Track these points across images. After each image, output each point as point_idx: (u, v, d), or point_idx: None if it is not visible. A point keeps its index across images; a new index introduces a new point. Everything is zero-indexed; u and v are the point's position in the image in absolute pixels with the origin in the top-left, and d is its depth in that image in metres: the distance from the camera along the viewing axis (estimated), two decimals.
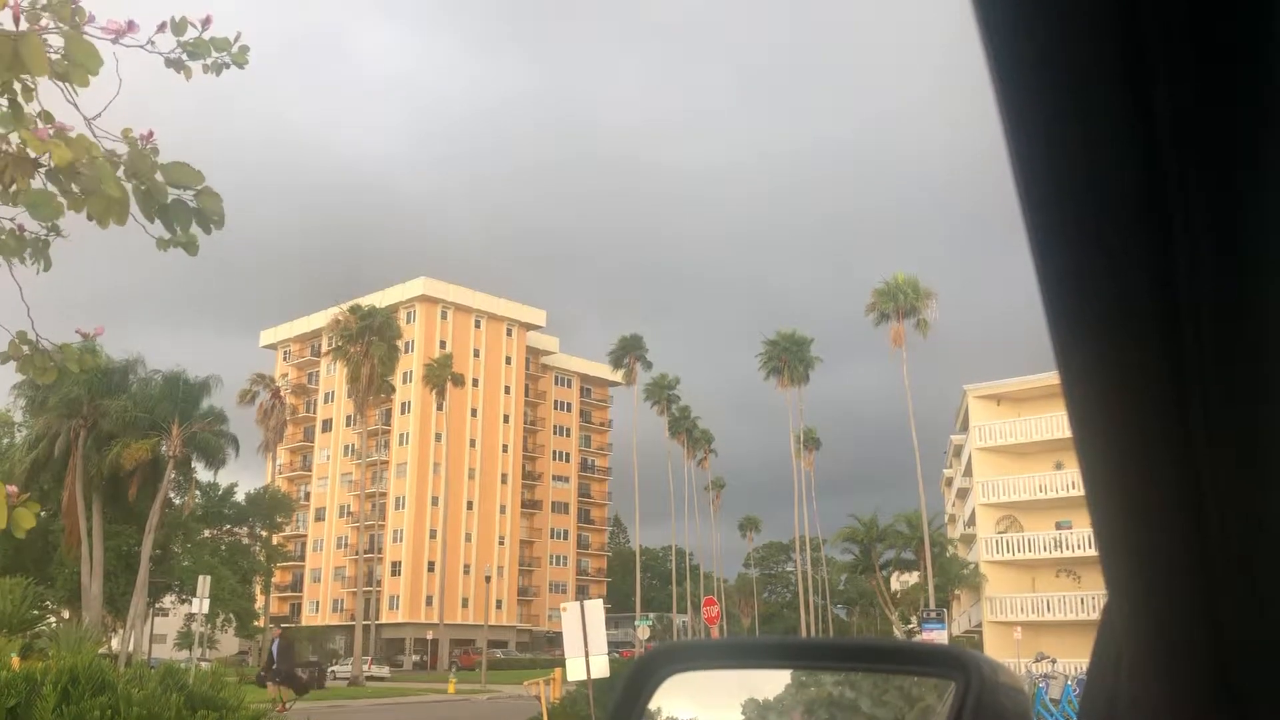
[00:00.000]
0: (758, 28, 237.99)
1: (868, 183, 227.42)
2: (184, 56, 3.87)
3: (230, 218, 3.78)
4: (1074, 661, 33.56)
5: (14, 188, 3.63)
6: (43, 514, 48.98)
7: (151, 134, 3.74)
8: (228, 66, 3.96)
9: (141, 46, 3.75)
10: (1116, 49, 0.48)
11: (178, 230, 3.69)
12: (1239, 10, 0.46)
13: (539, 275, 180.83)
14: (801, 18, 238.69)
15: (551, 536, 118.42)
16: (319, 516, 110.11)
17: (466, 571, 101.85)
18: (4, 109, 3.65)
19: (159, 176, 3.64)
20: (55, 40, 3.63)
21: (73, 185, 3.56)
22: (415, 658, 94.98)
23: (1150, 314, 0.54)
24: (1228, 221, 0.51)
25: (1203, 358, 0.54)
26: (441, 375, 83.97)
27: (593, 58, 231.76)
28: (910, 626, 56.95)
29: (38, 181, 3.63)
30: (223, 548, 60.62)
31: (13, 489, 3.54)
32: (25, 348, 4.01)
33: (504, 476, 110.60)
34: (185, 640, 61.51)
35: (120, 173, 3.61)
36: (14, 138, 3.62)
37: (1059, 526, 54.65)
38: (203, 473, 54.79)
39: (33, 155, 3.59)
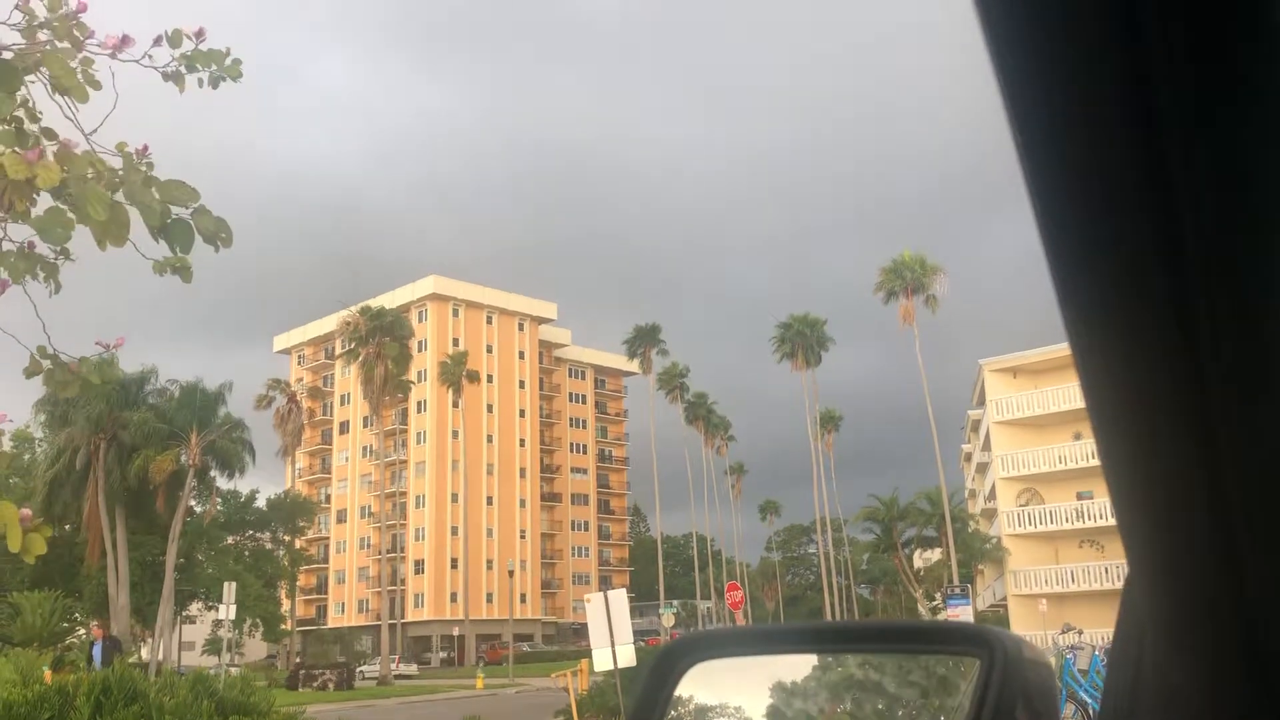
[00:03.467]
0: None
1: (882, 161, 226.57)
2: (181, 69, 3.87)
3: (242, 233, 3.78)
4: (1101, 631, 33.46)
5: (12, 211, 3.63)
6: (67, 527, 49.49)
7: (146, 148, 3.74)
8: (223, 80, 3.96)
9: (138, 61, 3.75)
10: (1119, 45, 0.49)
11: (177, 250, 3.67)
12: (1240, 5, 0.47)
13: (546, 270, 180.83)
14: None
15: (572, 528, 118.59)
16: (340, 518, 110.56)
17: (489, 567, 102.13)
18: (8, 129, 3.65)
19: (155, 194, 3.63)
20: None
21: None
22: (442, 654, 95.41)
23: (1161, 294, 0.55)
24: (1231, 205, 0.51)
25: (1215, 331, 0.55)
26: (456, 372, 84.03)
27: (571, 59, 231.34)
28: (934, 603, 56.95)
29: (40, 204, 3.62)
30: (246, 554, 60.98)
31: (26, 512, 3.54)
32: (46, 362, 4.03)
33: (522, 471, 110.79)
34: (213, 647, 62.00)
35: (120, 195, 3.61)
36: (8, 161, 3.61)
37: (1080, 497, 54.50)
38: (223, 480, 55.18)
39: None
